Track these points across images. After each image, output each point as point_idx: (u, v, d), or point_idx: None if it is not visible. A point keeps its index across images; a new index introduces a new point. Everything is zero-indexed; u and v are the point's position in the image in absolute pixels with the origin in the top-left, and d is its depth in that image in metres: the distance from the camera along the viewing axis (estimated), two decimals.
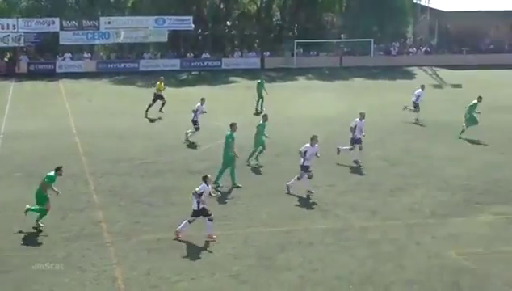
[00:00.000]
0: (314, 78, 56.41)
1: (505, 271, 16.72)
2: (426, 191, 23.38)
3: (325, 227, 19.95)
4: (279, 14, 71.95)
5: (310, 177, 22.77)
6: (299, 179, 22.84)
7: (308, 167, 22.76)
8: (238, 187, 23.49)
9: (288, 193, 22.75)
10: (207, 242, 18.55)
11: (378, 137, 30.99)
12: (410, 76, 59.50)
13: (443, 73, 59.15)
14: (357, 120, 27.21)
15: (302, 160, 22.80)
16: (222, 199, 21.88)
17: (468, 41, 69.73)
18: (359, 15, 66.73)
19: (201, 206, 18.71)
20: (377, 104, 40.57)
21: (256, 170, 26.12)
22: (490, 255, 17.76)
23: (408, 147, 29.23)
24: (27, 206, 19.76)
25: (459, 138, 31.14)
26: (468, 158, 27.74)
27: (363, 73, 58.01)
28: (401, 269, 16.96)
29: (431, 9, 70.97)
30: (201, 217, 18.78)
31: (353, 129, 27.11)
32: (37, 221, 19.73)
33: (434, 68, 62.36)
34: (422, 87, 36.04)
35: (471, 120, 31.53)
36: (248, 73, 54.74)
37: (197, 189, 18.66)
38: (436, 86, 52.51)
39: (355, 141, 27.00)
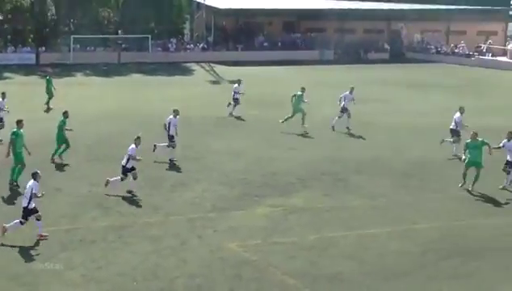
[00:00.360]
0: (92, 74, 55.54)
1: (283, 261, 17.37)
2: (208, 185, 23.78)
3: (108, 224, 19.69)
4: (53, 8, 70.02)
5: (135, 177, 22.53)
6: (122, 179, 22.51)
7: (131, 168, 22.49)
8: (17, 185, 22.61)
9: (106, 184, 22.46)
10: None
11: (156, 133, 31.07)
12: (189, 72, 60.29)
13: (220, 69, 60.48)
14: (171, 117, 26.95)
15: (125, 161, 22.50)
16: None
17: (244, 38, 71.85)
18: (136, 11, 66.56)
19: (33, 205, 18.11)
20: (156, 100, 40.75)
21: (59, 167, 25.53)
22: (269, 246, 18.38)
23: (191, 143, 29.55)
24: None
25: (282, 122, 33.34)
26: (246, 153, 28.57)
27: (142, 69, 57.98)
28: (184, 263, 17.11)
29: (207, 6, 72.26)
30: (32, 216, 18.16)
31: (166, 126, 27.02)
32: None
33: (211, 64, 63.58)
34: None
35: (298, 110, 33.34)
36: (22, 69, 52.73)
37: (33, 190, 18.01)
38: (214, 82, 53.68)
39: (170, 138, 26.81)
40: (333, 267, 17.01)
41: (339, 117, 33.60)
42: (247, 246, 18.28)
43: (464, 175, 23.85)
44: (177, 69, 60.52)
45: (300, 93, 33.95)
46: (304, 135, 32.41)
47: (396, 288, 16.05)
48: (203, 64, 63.92)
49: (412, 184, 24.55)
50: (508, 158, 23.96)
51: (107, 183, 22.51)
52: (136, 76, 55.40)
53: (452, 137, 28.63)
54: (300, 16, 75.63)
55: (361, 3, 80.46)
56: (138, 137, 22.83)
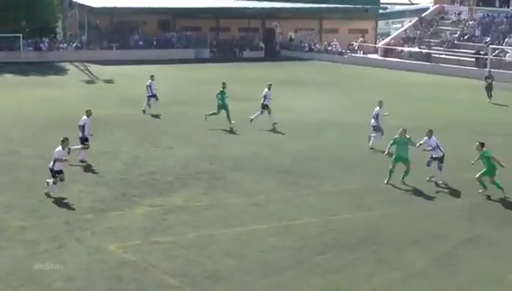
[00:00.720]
0: None
1: (162, 260, 17.28)
2: (84, 186, 23.35)
3: None
4: None
5: (62, 179, 22.18)
6: (54, 182, 22.09)
7: (59, 171, 22.13)
8: None
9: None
10: None
11: (30, 133, 30.35)
12: (62, 72, 58.98)
13: (95, 68, 59.48)
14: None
15: (52, 164, 22.16)
16: None
17: (118, 37, 70.93)
18: (6, 10, 64.52)
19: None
20: (29, 100, 39.67)
21: None
22: (148, 246, 18.25)
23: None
24: None
25: (207, 115, 33.73)
26: (123, 152, 28.25)
27: (13, 69, 56.28)
28: (62, 266, 16.75)
29: (80, 4, 70.88)
30: None
31: (80, 127, 26.59)
32: None
33: (85, 63, 62.45)
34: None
35: (223, 107, 33.87)
36: None
37: None
38: (89, 82, 52.73)
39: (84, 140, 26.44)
40: (212, 265, 17.06)
41: (261, 113, 34.50)
42: (126, 247, 18.09)
43: (391, 172, 24.51)
44: (50, 68, 59.09)
45: (222, 89, 34.27)
46: (215, 131, 32.38)
47: (275, 283, 16.25)
48: (76, 63, 62.68)
49: (290, 181, 24.94)
50: (433, 154, 24.82)
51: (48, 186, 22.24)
52: (8, 76, 53.73)
53: (375, 132, 29.93)
54: (176, 15, 75.37)
55: (236, 2, 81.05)
56: (66, 139, 22.44)
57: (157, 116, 36.55)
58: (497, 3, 67.72)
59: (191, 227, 19.76)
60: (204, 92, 40.98)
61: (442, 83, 53.96)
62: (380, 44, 73.10)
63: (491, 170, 23.21)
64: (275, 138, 32.10)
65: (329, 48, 74.61)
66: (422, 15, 73.16)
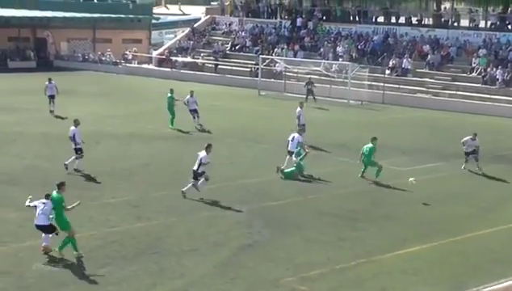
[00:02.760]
0: None
1: None
2: None
3: None
4: None
5: (207, 179, 23.83)
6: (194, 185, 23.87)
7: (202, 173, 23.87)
8: None
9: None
10: None
11: None
12: None
13: None
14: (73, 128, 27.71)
15: (197, 166, 23.85)
16: None
17: None
18: None
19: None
20: None
21: None
22: None
23: None
24: None
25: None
26: None
27: None
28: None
29: None
30: None
31: (71, 138, 27.60)
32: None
33: None
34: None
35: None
36: None
37: None
38: None
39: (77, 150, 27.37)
40: None
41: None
42: None
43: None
44: None
45: (170, 95, 37.00)
46: None
47: None
48: None
49: (69, 194, 24.23)
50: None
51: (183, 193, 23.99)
52: None
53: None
54: None
55: (3, 10, 77.69)
56: (209, 145, 24.03)
57: None
58: (265, 15, 70.33)
59: None
60: None
61: (218, 93, 55.24)
62: (154, 54, 73.41)
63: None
64: (52, 151, 31.29)
65: (103, 58, 73.85)
66: (195, 26, 74.39)
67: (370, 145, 27.50)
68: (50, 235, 18.54)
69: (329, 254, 19.36)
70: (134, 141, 32.96)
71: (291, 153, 28.04)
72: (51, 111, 41.14)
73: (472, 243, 20.74)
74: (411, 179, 25.63)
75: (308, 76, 52.65)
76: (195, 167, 24.18)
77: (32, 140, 33.45)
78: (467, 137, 29.86)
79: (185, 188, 24.24)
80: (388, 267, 18.51)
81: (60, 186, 19.23)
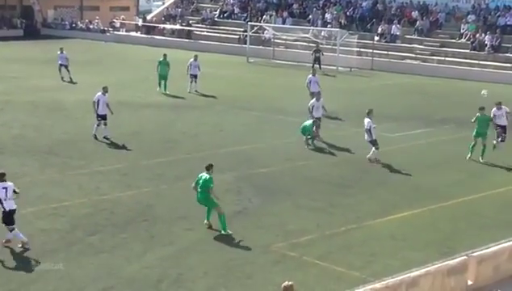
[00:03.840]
0: None
1: None
2: None
3: None
4: None
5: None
6: None
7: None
8: None
9: None
10: None
11: None
12: None
13: None
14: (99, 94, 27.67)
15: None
16: None
17: None
18: None
19: None
20: None
21: None
22: None
23: None
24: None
25: None
26: None
27: None
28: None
29: None
30: None
31: (95, 104, 27.66)
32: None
33: None
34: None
35: None
36: None
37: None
38: None
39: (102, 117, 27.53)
40: None
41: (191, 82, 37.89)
42: None
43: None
44: None
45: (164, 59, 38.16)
46: None
47: (48, 266, 15.93)
48: None
49: (57, 162, 24.40)
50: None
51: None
52: None
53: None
54: None
55: None
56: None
57: None
58: None
59: None
60: None
61: (206, 60, 54.95)
62: (142, 21, 72.89)
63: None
64: (39, 120, 31.16)
65: (91, 26, 73.29)
66: None
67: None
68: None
69: (319, 220, 19.43)
70: (123, 109, 32.79)
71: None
72: (62, 79, 41.88)
73: (461, 208, 20.85)
74: (484, 91, 25.41)
75: (316, 43, 52.25)
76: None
77: (20, 109, 33.27)
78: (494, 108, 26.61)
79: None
80: (378, 233, 18.62)
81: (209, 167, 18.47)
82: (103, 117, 27.69)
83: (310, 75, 34.32)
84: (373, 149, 25.45)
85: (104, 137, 27.56)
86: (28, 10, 76.88)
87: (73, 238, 17.62)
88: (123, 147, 26.82)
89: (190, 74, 38.66)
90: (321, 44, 52.76)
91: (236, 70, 49.80)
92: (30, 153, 25.40)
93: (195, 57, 39.01)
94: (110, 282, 15.26)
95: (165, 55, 39.21)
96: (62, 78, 41.93)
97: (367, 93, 40.60)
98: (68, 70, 42.05)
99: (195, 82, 38.60)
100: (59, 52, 42.38)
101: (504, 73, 47.45)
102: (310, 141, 27.26)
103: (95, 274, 15.63)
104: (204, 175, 18.33)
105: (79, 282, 15.26)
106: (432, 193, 22.18)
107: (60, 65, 42.18)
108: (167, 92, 38.06)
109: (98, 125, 27.71)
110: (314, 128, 27.32)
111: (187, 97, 37.47)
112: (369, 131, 25.28)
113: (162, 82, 38.70)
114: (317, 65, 48.21)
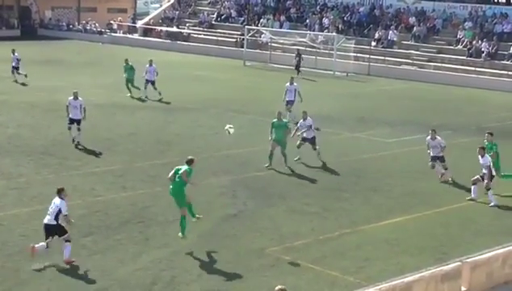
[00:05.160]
0: None
1: None
2: None
3: None
4: None
5: None
6: None
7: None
8: None
9: None
10: None
11: None
12: None
13: None
14: None
15: None
16: None
17: None
18: None
19: None
20: None
21: None
22: None
23: None
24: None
25: None
26: None
27: None
28: None
29: None
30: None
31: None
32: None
33: None
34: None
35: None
36: None
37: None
38: None
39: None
40: None
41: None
42: None
43: (271, 155, 24.87)
44: None
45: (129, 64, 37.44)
46: None
47: (35, 266, 15.93)
48: None
49: (52, 163, 24.38)
50: (305, 135, 25.74)
51: None
52: None
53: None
54: None
55: None
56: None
57: None
58: None
59: None
60: None
61: (203, 63, 55.01)
62: (140, 23, 72.92)
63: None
64: (35, 120, 31.12)
65: (88, 28, 73.25)
66: None
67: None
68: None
69: (313, 224, 19.44)
70: (118, 110, 32.80)
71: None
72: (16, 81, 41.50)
73: (455, 215, 20.88)
74: (228, 126, 23.21)
75: (296, 48, 52.27)
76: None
77: (16, 109, 33.24)
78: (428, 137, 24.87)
79: None
80: (372, 238, 18.62)
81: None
82: (76, 122, 27.10)
83: (288, 83, 32.92)
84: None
85: (77, 142, 26.90)
86: (26, 11, 76.84)
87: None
88: (119, 149, 26.78)
89: (146, 79, 37.47)
90: (305, 49, 52.71)
91: (232, 74, 49.81)
92: (25, 153, 25.38)
93: (150, 62, 37.94)
94: (103, 284, 15.24)
95: (126, 60, 38.37)
96: (16, 80, 41.67)
97: (364, 98, 40.62)
98: (18, 73, 41.71)
99: (154, 87, 37.25)
100: (12, 55, 42.00)
101: (500, 81, 47.51)
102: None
103: (89, 275, 15.61)
104: (185, 167, 18.09)
105: (72, 284, 15.24)
106: (426, 199, 22.19)
107: (13, 67, 41.86)
108: (134, 96, 37.64)
109: (69, 129, 27.21)
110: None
111: (177, 100, 37.30)
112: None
113: (129, 85, 37.92)
114: (296, 70, 48.22)
